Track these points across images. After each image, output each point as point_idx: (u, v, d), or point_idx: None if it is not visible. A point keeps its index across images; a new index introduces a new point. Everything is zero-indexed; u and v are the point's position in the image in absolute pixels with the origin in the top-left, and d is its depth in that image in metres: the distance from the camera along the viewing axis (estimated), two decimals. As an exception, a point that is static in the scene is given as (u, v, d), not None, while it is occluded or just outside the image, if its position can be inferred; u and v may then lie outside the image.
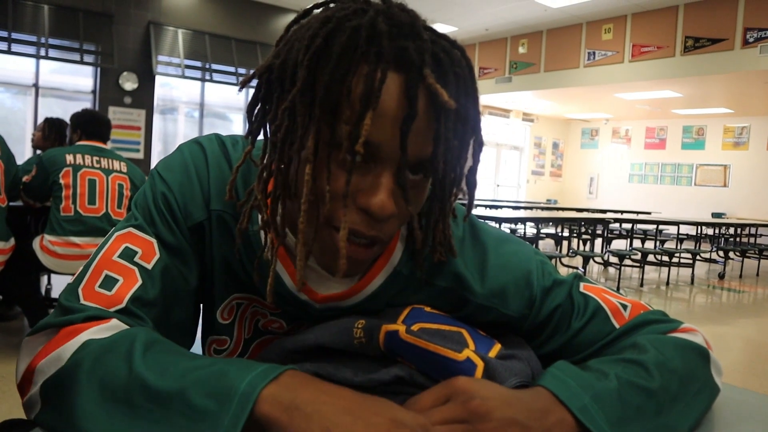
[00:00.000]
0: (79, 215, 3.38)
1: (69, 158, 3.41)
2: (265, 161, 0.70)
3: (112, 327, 0.67)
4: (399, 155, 0.62)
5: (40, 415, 0.64)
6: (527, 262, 0.83)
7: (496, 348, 0.75)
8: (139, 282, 0.72)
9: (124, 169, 3.58)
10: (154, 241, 0.75)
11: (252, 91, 0.74)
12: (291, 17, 0.77)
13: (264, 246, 0.76)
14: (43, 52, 8.98)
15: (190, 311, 0.80)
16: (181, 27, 10.28)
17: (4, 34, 8.60)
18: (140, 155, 9.92)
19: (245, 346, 0.88)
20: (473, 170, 0.73)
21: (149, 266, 0.73)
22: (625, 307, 0.83)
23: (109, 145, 3.68)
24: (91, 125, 3.59)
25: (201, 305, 0.85)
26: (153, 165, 10.17)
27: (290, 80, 0.65)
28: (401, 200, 0.66)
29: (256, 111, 0.72)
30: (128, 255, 0.73)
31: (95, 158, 3.49)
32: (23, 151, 9.06)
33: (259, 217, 0.76)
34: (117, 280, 0.71)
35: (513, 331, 0.84)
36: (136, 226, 0.76)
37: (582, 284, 0.85)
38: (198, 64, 10.38)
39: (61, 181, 3.36)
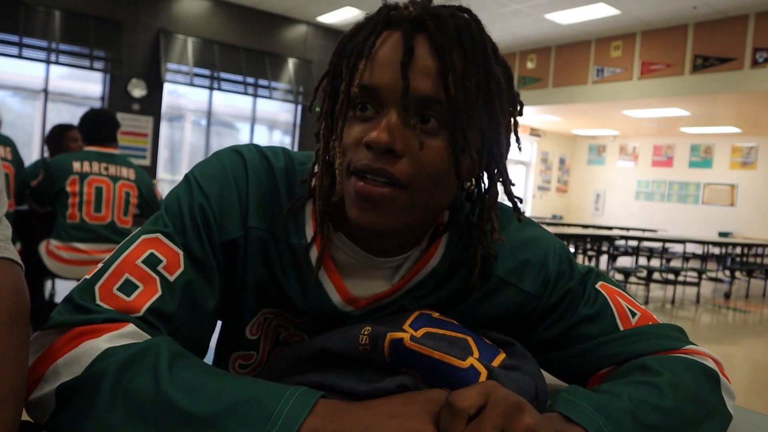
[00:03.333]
0: (84, 223, 3.38)
1: (76, 165, 3.39)
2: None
3: (131, 334, 0.65)
4: (399, 96, 0.67)
5: (52, 420, 0.62)
6: (547, 245, 0.85)
7: (500, 357, 0.75)
8: (159, 293, 0.70)
9: (132, 177, 3.55)
10: (181, 253, 0.73)
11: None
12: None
13: (309, 247, 0.78)
14: (53, 58, 9.04)
15: (204, 331, 0.77)
16: (190, 35, 10.34)
17: (15, 39, 8.66)
18: (147, 162, 9.96)
19: (267, 358, 0.88)
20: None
21: (171, 278, 0.71)
22: (634, 314, 0.84)
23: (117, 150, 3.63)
24: (96, 131, 3.52)
25: (218, 323, 0.83)
26: (159, 172, 10.21)
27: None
28: (409, 139, 0.68)
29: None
30: (152, 262, 0.71)
31: (103, 165, 3.46)
32: (30, 156, 9.10)
33: (310, 222, 0.79)
34: (137, 287, 0.69)
35: (523, 320, 0.85)
36: (165, 233, 0.74)
37: (600, 282, 0.86)
38: (206, 72, 10.43)
39: (68, 189, 3.35)
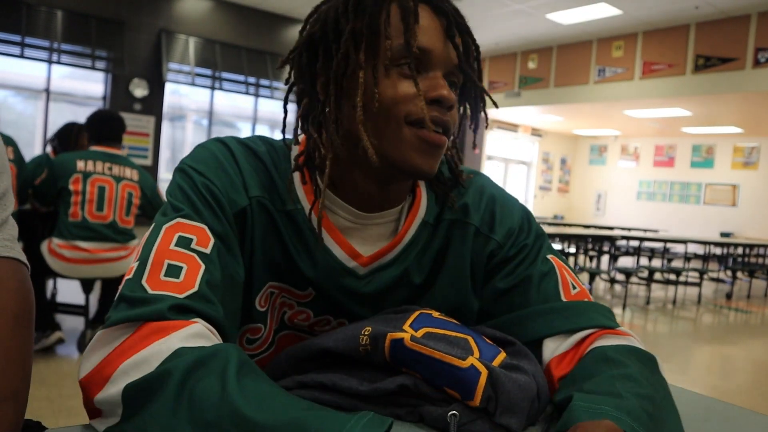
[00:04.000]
0: (86, 221, 3.39)
1: (80, 165, 3.41)
2: (315, 118, 0.84)
3: (199, 334, 0.64)
4: (444, 58, 0.80)
5: (119, 424, 0.60)
6: (512, 203, 0.98)
7: (501, 357, 0.76)
8: (203, 266, 0.71)
9: (136, 177, 3.56)
10: (205, 227, 0.75)
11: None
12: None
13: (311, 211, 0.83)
14: (55, 58, 9.05)
15: (238, 300, 0.79)
16: (192, 35, 10.35)
17: (18, 38, 8.68)
18: (148, 162, 9.97)
19: (273, 336, 0.89)
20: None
21: (207, 251, 0.73)
22: (574, 287, 0.91)
23: (124, 151, 3.63)
24: (102, 131, 3.53)
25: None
26: (161, 172, 10.20)
27: (334, 34, 0.80)
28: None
29: (297, 89, 0.87)
30: (184, 243, 0.72)
31: (107, 165, 3.47)
32: (32, 155, 9.11)
33: (303, 195, 0.85)
34: (181, 268, 0.70)
35: (485, 267, 0.93)
36: (183, 215, 0.75)
37: (550, 254, 0.95)
38: (208, 72, 10.44)
39: (71, 187, 3.37)
